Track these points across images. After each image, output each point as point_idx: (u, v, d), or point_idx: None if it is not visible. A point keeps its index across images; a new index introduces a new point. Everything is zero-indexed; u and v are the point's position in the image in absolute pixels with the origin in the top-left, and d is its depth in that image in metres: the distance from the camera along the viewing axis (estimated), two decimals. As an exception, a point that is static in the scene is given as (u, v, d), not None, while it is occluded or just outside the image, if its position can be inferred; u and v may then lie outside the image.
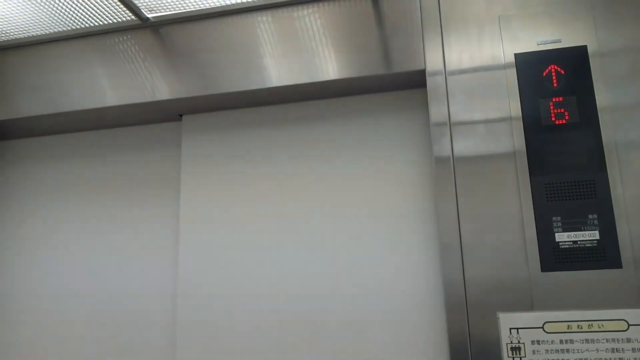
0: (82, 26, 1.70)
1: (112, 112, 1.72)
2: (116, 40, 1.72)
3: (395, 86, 1.56)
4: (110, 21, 1.68)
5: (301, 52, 1.54)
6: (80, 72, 1.72)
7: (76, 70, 1.72)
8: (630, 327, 1.16)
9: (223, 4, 1.58)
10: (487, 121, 1.35)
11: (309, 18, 1.56)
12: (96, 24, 1.69)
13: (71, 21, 1.67)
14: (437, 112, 1.39)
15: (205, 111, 1.72)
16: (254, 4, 1.58)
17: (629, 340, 1.16)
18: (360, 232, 1.53)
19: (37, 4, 1.58)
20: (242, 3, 1.58)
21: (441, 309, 1.40)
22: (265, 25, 1.59)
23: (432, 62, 1.42)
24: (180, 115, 1.76)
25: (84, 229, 1.81)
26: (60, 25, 1.70)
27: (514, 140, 1.31)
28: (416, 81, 1.48)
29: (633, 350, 1.15)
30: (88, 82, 1.70)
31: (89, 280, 1.76)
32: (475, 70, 1.39)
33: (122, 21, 1.68)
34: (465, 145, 1.35)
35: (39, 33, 1.74)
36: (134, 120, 1.82)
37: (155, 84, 1.64)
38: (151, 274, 1.71)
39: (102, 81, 1.70)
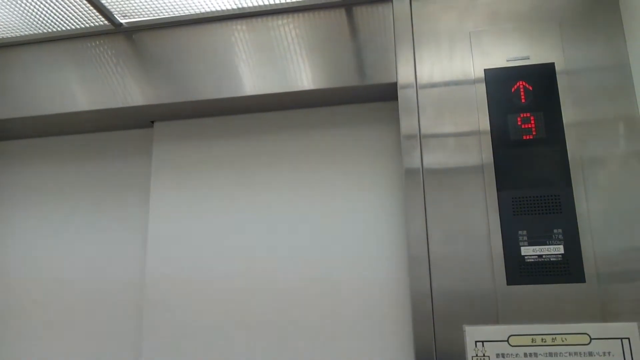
0: (54, 30, 1.68)
1: (83, 117, 1.69)
2: (88, 44, 1.70)
3: (367, 98, 1.57)
4: (83, 25, 1.66)
5: (275, 61, 1.54)
6: (51, 76, 1.69)
7: (47, 74, 1.70)
8: (592, 340, 1.18)
9: (197, 11, 1.58)
10: (456, 135, 1.36)
11: (284, 28, 1.56)
12: (68, 28, 1.67)
13: (43, 24, 1.65)
14: (407, 124, 1.40)
15: (178, 118, 1.71)
16: (229, 13, 1.58)
17: (590, 354, 1.17)
18: (330, 241, 1.53)
19: (8, 7, 1.55)
20: (217, 11, 1.58)
21: (408, 320, 1.40)
22: (239, 34, 1.59)
23: (404, 75, 1.43)
24: (152, 122, 1.74)
25: (50, 235, 1.77)
26: (32, 28, 1.67)
27: (482, 154, 1.33)
28: (388, 94, 1.49)
29: (595, 364, 1.17)
30: (59, 87, 1.68)
31: (53, 287, 1.72)
32: (446, 84, 1.40)
33: (95, 26, 1.66)
34: (434, 158, 1.36)
35: (9, 35, 1.71)
36: (105, 126, 1.79)
37: (127, 90, 1.62)
38: (118, 284, 1.68)
39: (73, 86, 1.67)
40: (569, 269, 1.23)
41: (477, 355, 1.21)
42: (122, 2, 1.54)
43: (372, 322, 1.45)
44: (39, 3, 1.53)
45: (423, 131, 1.39)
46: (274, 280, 1.53)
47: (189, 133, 1.70)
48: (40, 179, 1.84)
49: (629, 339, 1.16)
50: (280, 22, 1.57)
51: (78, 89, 1.67)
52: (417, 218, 1.33)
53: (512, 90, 1.36)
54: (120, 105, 1.62)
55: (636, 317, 1.18)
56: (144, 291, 1.61)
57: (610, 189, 1.27)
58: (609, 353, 1.17)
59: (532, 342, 1.20)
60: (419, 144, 1.38)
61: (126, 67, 1.64)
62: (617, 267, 1.22)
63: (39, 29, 1.68)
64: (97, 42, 1.69)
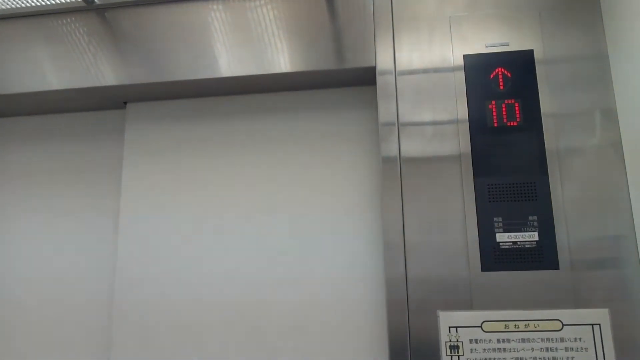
0: (24, 6, 1.62)
1: (53, 96, 1.65)
2: (60, 22, 1.64)
3: (346, 82, 1.55)
4: (54, 2, 1.60)
5: (252, 43, 1.51)
6: (20, 54, 1.63)
7: (16, 52, 1.64)
8: (564, 327, 1.19)
9: (173, -11, 1.54)
10: (434, 123, 1.35)
11: (262, 9, 1.53)
12: (39, 4, 1.61)
13: (12, -1, 1.59)
14: (386, 111, 1.38)
15: (151, 99, 1.67)
16: (206, -8, 1.54)
17: (562, 340, 1.18)
18: (305, 226, 1.51)
19: (-26, -21, 1.49)
20: (193, -10, 1.54)
21: (382, 306, 1.40)
22: (216, 14, 1.55)
23: (383, 60, 1.42)
24: (125, 103, 1.70)
25: (20, 217, 1.73)
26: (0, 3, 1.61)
27: (460, 142, 1.32)
28: (367, 79, 1.47)
29: (566, 349, 1.17)
30: (28, 64, 1.62)
31: (21, 272, 1.68)
32: (425, 70, 1.39)
33: (67, 2, 1.60)
34: (412, 146, 1.35)
35: (-25, 10, 1.65)
36: (76, 106, 1.74)
37: (100, 69, 1.57)
38: (88, 264, 1.64)
39: (44, 64, 1.62)
40: (543, 255, 1.23)
41: (450, 341, 1.21)
42: (94, -22, 1.49)
43: (346, 308, 1.44)
44: (6, -24, 1.48)
45: (401, 118, 1.37)
46: (247, 265, 1.51)
47: (162, 115, 1.66)
48: (8, 160, 1.79)
49: (599, 324, 1.17)
50: (258, 2, 1.53)
51: (49, 68, 1.61)
52: (393, 205, 1.32)
53: (491, 76, 1.35)
54: (92, 84, 1.57)
55: (607, 303, 1.19)
56: (114, 276, 1.58)
57: (586, 177, 1.27)
58: (579, 339, 1.18)
59: (505, 328, 1.20)
60: (396, 131, 1.36)
61: (98, 46, 1.60)
62: (590, 254, 1.23)
63: (8, 4, 1.61)
64: (69, 20, 1.64)
